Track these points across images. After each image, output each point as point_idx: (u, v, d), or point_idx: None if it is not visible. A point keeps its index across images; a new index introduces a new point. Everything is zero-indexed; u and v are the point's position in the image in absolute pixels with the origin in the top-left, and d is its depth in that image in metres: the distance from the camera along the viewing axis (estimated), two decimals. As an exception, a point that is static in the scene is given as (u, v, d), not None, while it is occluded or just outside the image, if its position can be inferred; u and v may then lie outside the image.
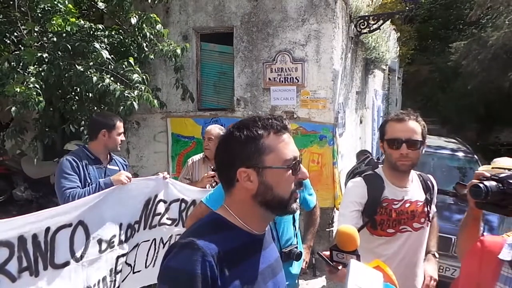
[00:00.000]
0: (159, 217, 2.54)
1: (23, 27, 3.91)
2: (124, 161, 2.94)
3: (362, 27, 5.36)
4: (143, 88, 3.97)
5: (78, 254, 1.97)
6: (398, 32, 9.30)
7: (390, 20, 6.31)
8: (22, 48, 3.79)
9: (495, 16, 10.67)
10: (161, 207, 2.55)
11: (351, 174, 2.09)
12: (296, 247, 2.11)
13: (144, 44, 4.35)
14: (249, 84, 4.81)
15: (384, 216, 1.84)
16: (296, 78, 4.62)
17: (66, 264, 1.92)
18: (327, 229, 4.69)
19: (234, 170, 1.05)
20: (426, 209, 1.91)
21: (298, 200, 1.10)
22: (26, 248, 1.76)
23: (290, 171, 1.05)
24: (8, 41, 4.30)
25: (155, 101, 4.13)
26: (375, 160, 2.06)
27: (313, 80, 4.59)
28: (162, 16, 4.81)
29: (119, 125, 2.69)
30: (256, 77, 4.77)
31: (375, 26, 5.36)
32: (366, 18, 5.35)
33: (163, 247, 2.63)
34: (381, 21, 5.32)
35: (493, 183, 1.33)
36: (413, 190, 1.90)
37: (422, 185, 1.95)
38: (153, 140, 5.18)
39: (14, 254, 1.72)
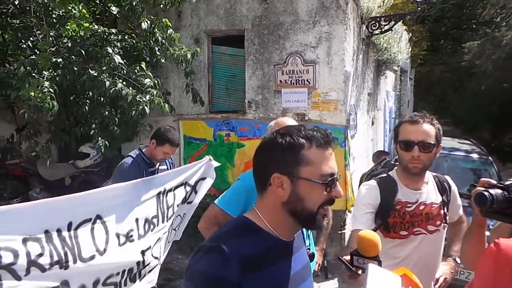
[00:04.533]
0: (171, 208, 2.65)
1: (38, 32, 3.99)
2: (171, 159, 3.22)
3: (374, 28, 5.33)
4: (154, 92, 4.02)
5: (101, 248, 2.06)
6: (410, 33, 9.20)
7: (401, 20, 6.26)
8: (38, 52, 3.87)
9: (509, 15, 10.51)
10: (170, 198, 2.66)
11: (368, 176, 2.08)
12: (309, 249, 2.11)
13: (156, 48, 4.39)
14: (260, 87, 4.82)
15: (397, 219, 1.82)
16: (307, 80, 4.62)
17: (92, 257, 2.01)
18: (339, 231, 4.67)
19: (269, 174, 1.04)
20: (442, 211, 1.88)
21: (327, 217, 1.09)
22: (54, 243, 1.85)
23: (324, 186, 1.04)
24: (24, 46, 4.39)
25: (166, 105, 4.18)
26: (393, 162, 2.05)
27: (325, 82, 4.58)
28: (174, 19, 4.86)
29: (168, 147, 2.90)
30: (267, 79, 4.78)
31: (386, 27, 5.33)
32: (378, 19, 5.32)
33: (174, 232, 2.83)
34: (392, 22, 5.29)
35: (499, 191, 1.31)
36: (428, 192, 1.88)
37: (438, 186, 1.92)
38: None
39: (46, 249, 1.80)
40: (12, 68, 4.10)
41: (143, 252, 2.34)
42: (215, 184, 4.39)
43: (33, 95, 3.42)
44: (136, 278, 2.33)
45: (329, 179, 1.04)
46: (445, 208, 1.91)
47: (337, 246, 4.66)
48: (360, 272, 1.12)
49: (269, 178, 1.04)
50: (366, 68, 5.91)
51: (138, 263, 2.31)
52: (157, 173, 3.00)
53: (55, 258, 1.83)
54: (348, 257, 1.16)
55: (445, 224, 1.91)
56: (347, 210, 4.60)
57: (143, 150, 3.00)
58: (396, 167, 1.96)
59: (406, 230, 1.83)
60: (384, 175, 1.94)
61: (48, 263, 1.81)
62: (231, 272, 0.96)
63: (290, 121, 2.08)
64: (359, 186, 4.48)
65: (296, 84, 4.67)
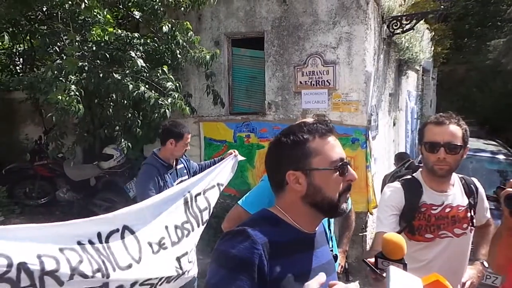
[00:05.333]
0: (207, 211, 2.63)
1: (65, 37, 4.12)
2: (185, 156, 3.23)
3: (395, 27, 5.26)
4: (176, 95, 4.09)
5: (136, 257, 2.07)
6: (432, 31, 9.01)
7: (423, 19, 6.14)
8: (64, 57, 4.00)
9: (536, 12, 10.16)
10: (202, 201, 2.62)
11: (391, 178, 2.05)
12: (331, 250, 2.10)
13: (177, 51, 4.47)
14: (280, 88, 4.83)
15: (422, 222, 1.79)
16: (327, 81, 4.60)
17: (130, 266, 2.02)
18: (360, 234, 4.62)
19: (283, 173, 1.09)
20: (469, 214, 1.84)
21: (347, 201, 1.12)
22: (89, 253, 1.87)
23: (337, 172, 1.08)
24: (51, 51, 4.54)
25: (187, 108, 4.25)
26: (416, 164, 2.01)
27: (345, 83, 4.55)
28: (194, 22, 4.92)
29: (187, 136, 2.96)
30: (287, 80, 4.78)
31: (408, 26, 5.24)
32: (399, 18, 5.25)
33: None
34: (414, 21, 5.21)
35: None
36: (454, 195, 1.84)
37: (465, 189, 1.88)
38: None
39: (84, 256, 1.83)
40: (40, 72, 4.24)
41: (178, 259, 2.33)
42: (235, 184, 4.45)
43: (60, 98, 3.54)
44: (171, 282, 2.32)
45: (340, 163, 1.09)
46: (472, 211, 1.86)
47: (358, 249, 4.62)
48: (384, 274, 1.12)
49: (284, 177, 1.09)
50: (387, 68, 5.84)
51: (176, 269, 2.31)
52: (177, 173, 3.03)
53: (95, 266, 1.84)
54: (372, 260, 1.16)
55: (472, 227, 1.86)
56: (368, 212, 4.56)
57: (158, 155, 2.97)
58: (420, 169, 1.93)
59: (432, 233, 1.80)
60: (409, 176, 1.91)
61: (90, 270, 1.82)
62: (256, 254, 0.98)
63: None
64: (382, 188, 4.43)
65: (316, 85, 4.65)
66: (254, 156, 4.95)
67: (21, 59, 6.57)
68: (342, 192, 1.10)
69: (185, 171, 3.17)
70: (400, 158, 4.45)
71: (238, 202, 2.11)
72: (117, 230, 2.05)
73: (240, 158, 3.14)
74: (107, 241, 1.97)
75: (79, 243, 1.85)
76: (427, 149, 1.79)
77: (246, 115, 5.03)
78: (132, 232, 2.11)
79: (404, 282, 1.03)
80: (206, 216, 2.62)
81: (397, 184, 1.87)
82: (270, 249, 1.01)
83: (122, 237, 2.05)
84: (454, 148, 1.75)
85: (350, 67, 4.52)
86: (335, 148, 1.10)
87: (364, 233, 4.66)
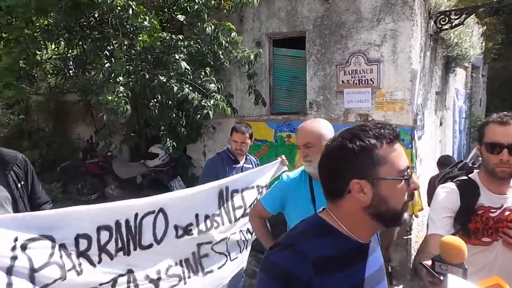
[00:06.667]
0: (241, 210, 2.69)
1: (114, 42, 4.33)
2: (256, 160, 3.50)
3: (443, 23, 5.04)
4: (218, 97, 4.18)
5: (158, 237, 2.23)
6: (484, 26, 8.52)
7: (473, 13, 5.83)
8: (113, 60, 4.20)
9: None
10: (238, 199, 2.68)
11: (441, 179, 1.96)
12: None
13: (220, 52, 4.55)
14: (321, 87, 4.78)
15: (479, 224, 1.71)
16: (371, 79, 4.49)
17: (150, 246, 2.19)
18: (404, 237, 4.48)
19: (346, 181, 1.02)
20: None
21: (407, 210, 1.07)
22: (121, 231, 2.07)
23: (404, 182, 1.02)
24: (102, 55, 4.79)
25: (229, 109, 4.33)
26: (470, 165, 1.92)
27: (390, 81, 4.43)
28: (236, 24, 4.98)
29: (234, 134, 3.22)
30: (329, 80, 4.73)
31: (457, 22, 5.01)
32: (447, 13, 5.03)
33: (251, 235, 2.82)
34: (464, 16, 4.97)
35: None
36: None
37: None
38: (228, 143, 5.34)
39: (113, 236, 2.03)
40: (92, 75, 4.49)
41: (199, 245, 2.44)
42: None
43: (110, 99, 3.73)
44: (198, 270, 2.42)
45: (406, 173, 1.02)
46: None
47: (402, 252, 4.48)
48: (442, 278, 1.08)
49: (346, 186, 1.02)
50: (434, 66, 5.61)
51: (193, 253, 2.42)
52: (241, 170, 3.23)
53: (119, 245, 2.04)
54: (429, 262, 1.12)
55: None
56: (413, 215, 4.40)
57: (229, 148, 3.30)
58: (476, 170, 1.84)
59: (489, 237, 1.71)
60: (465, 177, 1.82)
61: (114, 249, 2.02)
62: (304, 270, 0.97)
63: (322, 122, 1.95)
64: (428, 190, 4.24)
65: (359, 84, 4.56)
66: (294, 156, 4.92)
67: (73, 63, 6.96)
68: (407, 202, 1.04)
69: None
70: (444, 162, 4.24)
71: (260, 197, 2.16)
72: (153, 211, 2.20)
73: (286, 165, 3.14)
74: (141, 221, 2.14)
75: (116, 222, 2.04)
76: (488, 149, 1.69)
77: (287, 115, 5.03)
78: (165, 214, 2.25)
79: None
80: (239, 214, 2.68)
81: (452, 185, 1.79)
82: (321, 264, 0.98)
83: (155, 218, 2.21)
84: None
85: (395, 65, 4.40)
86: (402, 156, 1.03)
87: (409, 236, 4.51)
